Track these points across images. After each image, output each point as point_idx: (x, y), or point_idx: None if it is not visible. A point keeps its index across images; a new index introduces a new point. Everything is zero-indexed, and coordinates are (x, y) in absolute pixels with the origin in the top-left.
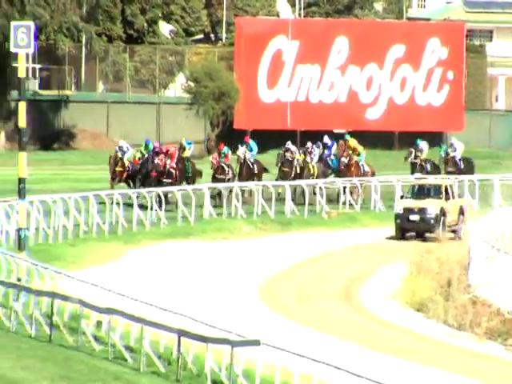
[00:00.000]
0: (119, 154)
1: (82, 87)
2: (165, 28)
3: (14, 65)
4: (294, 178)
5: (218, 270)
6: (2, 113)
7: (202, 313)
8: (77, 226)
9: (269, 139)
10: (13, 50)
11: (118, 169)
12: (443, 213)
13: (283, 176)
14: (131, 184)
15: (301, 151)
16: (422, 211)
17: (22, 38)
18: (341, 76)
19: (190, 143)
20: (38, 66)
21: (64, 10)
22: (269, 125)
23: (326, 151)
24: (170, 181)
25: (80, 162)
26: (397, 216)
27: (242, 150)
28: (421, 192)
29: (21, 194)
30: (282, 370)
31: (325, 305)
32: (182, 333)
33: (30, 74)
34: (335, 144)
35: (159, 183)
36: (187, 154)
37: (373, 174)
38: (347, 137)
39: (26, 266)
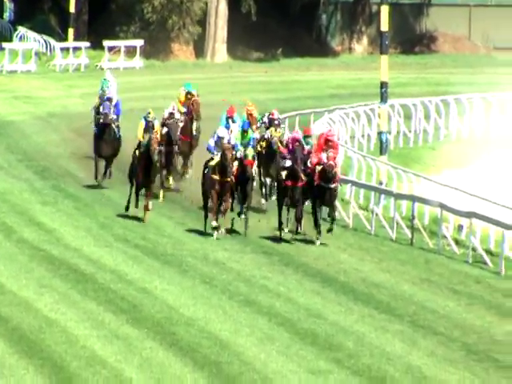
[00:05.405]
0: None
1: None
2: None
3: None
4: None
5: None
6: (364, 17)
7: None
8: (437, 129)
9: None
10: None
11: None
12: None
13: None
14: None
15: None
16: None
17: None
18: None
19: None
20: None
21: None
22: None
23: None
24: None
25: (440, 65)
26: None
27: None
28: None
29: (382, 97)
30: None
31: None
32: None
33: None
34: None
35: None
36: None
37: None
38: None
39: (386, 170)
